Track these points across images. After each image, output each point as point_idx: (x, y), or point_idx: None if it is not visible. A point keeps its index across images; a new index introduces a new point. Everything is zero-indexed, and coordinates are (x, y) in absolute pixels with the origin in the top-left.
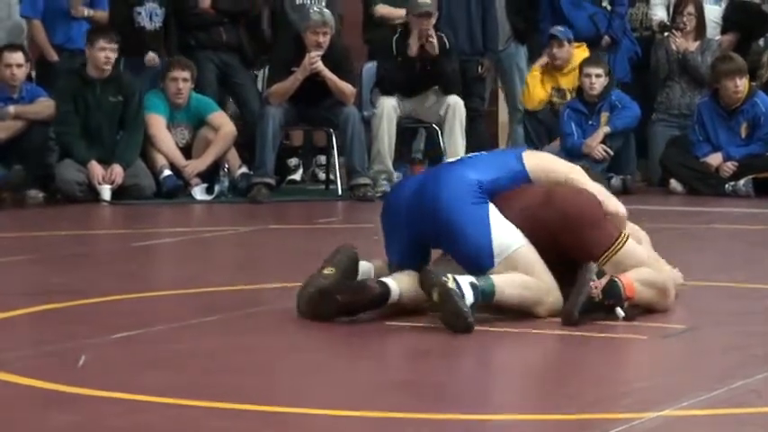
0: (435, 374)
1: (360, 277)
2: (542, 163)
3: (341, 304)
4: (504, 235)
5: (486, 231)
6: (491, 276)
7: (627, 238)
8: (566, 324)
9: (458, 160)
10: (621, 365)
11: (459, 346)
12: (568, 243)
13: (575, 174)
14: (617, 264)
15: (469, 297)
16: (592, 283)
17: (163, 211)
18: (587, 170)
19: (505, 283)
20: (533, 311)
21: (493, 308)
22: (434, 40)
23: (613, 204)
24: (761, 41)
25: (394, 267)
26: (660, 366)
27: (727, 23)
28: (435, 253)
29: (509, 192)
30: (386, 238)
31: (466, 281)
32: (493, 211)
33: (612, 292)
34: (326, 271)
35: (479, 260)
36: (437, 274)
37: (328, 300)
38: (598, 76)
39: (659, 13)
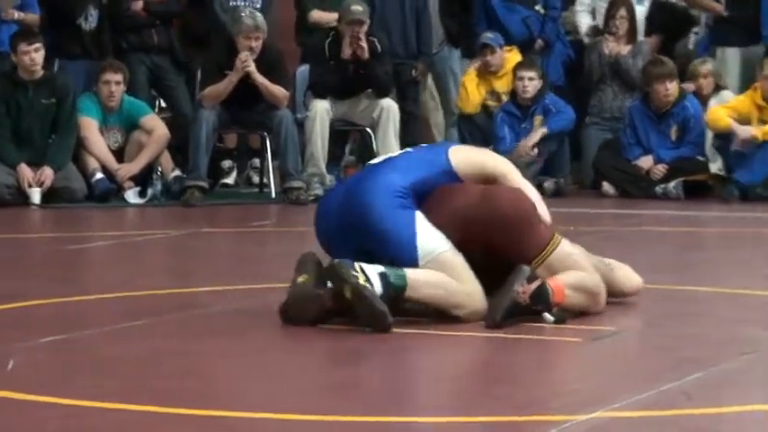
0: (368, 377)
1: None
2: (470, 158)
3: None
4: (430, 239)
5: (411, 235)
6: (406, 270)
7: (560, 240)
8: (488, 327)
9: (385, 161)
10: (553, 367)
11: (392, 348)
12: (503, 244)
13: (505, 166)
14: (551, 265)
15: (378, 288)
16: (520, 287)
17: (95, 215)
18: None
19: (421, 280)
20: (451, 313)
21: (411, 301)
22: (365, 45)
23: (542, 209)
24: (690, 44)
25: None
26: (591, 368)
27: (652, 24)
28: None
29: (443, 190)
30: (326, 249)
31: (375, 271)
32: (419, 216)
33: (541, 298)
34: (300, 279)
35: (405, 262)
36: (345, 268)
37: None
38: (531, 79)
39: (584, 20)
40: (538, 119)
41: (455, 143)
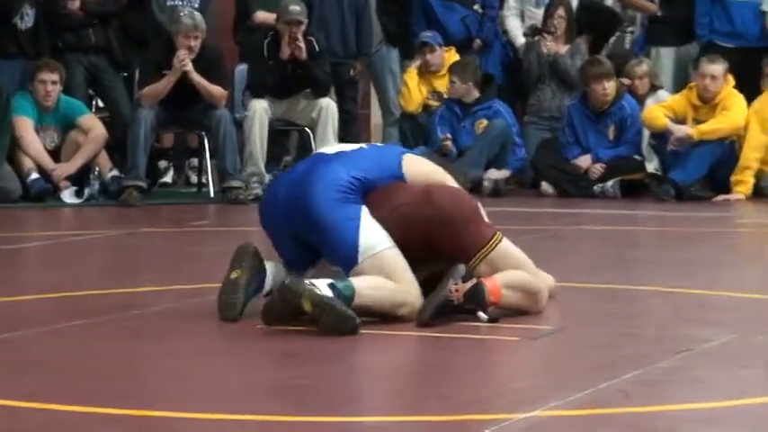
0: (307, 377)
1: (270, 276)
2: (422, 173)
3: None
4: (372, 235)
5: (354, 229)
6: (350, 279)
7: (501, 239)
8: (418, 325)
9: (337, 153)
10: (493, 367)
11: (330, 348)
12: (443, 241)
13: (450, 183)
14: (492, 262)
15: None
16: (453, 286)
17: (31, 215)
18: (450, 168)
19: (365, 286)
20: (395, 314)
21: (359, 308)
22: (303, 45)
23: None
24: (626, 44)
25: (288, 267)
26: (531, 367)
27: (580, 25)
28: None
29: (386, 188)
30: (271, 237)
31: (324, 283)
32: (365, 211)
33: (475, 297)
34: (233, 275)
35: (346, 257)
36: (298, 284)
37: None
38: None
39: (513, 23)
40: (482, 123)
41: (409, 149)
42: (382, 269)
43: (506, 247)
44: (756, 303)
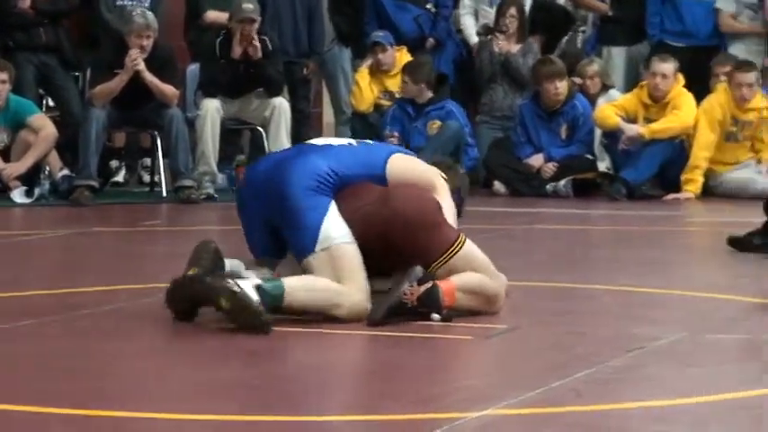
0: (261, 376)
1: (228, 270)
2: (407, 174)
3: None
4: (333, 228)
5: (318, 219)
6: (282, 279)
7: (464, 242)
8: (369, 325)
9: (324, 146)
10: (446, 365)
11: (283, 347)
12: (403, 243)
13: (435, 180)
14: (450, 266)
15: (255, 299)
16: (408, 288)
17: None
18: (452, 167)
19: (297, 286)
20: (332, 314)
21: (292, 309)
22: (257, 44)
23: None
24: (578, 43)
25: (256, 260)
26: (484, 366)
27: (533, 24)
28: None
29: (353, 187)
30: (244, 224)
31: (249, 284)
32: (333, 205)
33: (430, 300)
34: (191, 273)
35: (303, 246)
36: (218, 281)
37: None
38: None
39: (467, 22)
40: (435, 124)
41: (401, 149)
42: (334, 264)
43: (468, 250)
44: (706, 302)
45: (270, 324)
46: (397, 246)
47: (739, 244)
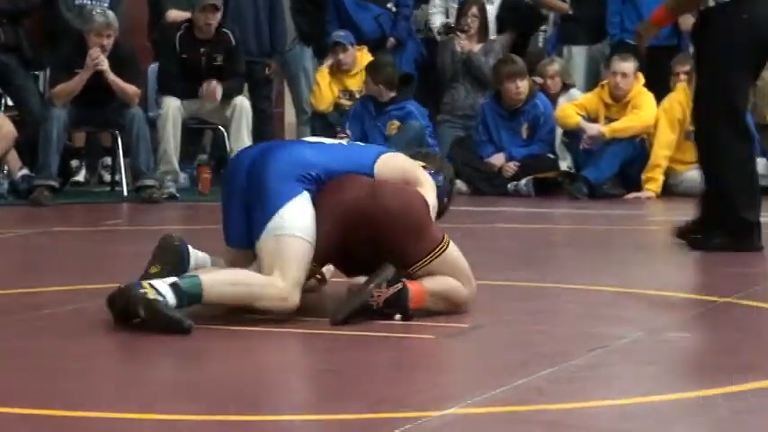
0: (219, 376)
1: (193, 266)
2: (395, 172)
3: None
4: (292, 217)
5: (280, 203)
6: (198, 275)
7: (448, 245)
8: (332, 324)
9: (316, 142)
10: (407, 365)
11: (242, 346)
12: (389, 241)
13: (423, 177)
14: (431, 269)
15: (171, 300)
16: (376, 291)
17: None
18: (439, 160)
19: (214, 282)
20: (255, 306)
21: (212, 302)
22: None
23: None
24: (540, 42)
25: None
26: (445, 365)
27: (502, 23)
28: None
29: (337, 181)
30: (224, 207)
31: (165, 284)
32: (304, 197)
33: (397, 303)
34: (152, 270)
35: (258, 225)
36: (133, 289)
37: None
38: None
39: (438, 20)
40: (394, 124)
41: (390, 149)
42: (276, 252)
43: (451, 253)
44: (666, 301)
45: (186, 324)
46: (381, 243)
47: (685, 236)
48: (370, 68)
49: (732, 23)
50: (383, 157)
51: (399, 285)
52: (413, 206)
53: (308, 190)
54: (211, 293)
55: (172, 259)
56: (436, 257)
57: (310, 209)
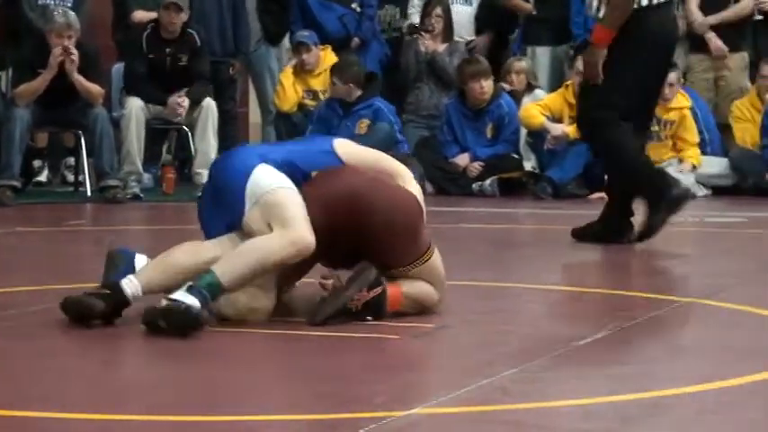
0: (187, 376)
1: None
2: (362, 156)
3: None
4: (262, 178)
5: (245, 178)
6: (211, 269)
7: (432, 253)
8: (309, 325)
9: (276, 142)
10: (373, 365)
11: (210, 347)
12: (378, 237)
13: (400, 167)
14: (413, 274)
15: (195, 302)
16: (356, 295)
17: None
18: (408, 161)
19: (224, 264)
20: (273, 265)
21: (235, 289)
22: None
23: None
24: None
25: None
26: (411, 365)
27: (480, 24)
28: None
29: (332, 171)
30: (200, 212)
31: (181, 292)
32: (265, 165)
33: (375, 308)
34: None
35: (234, 207)
36: (149, 310)
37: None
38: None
39: (416, 21)
40: (364, 122)
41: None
42: (264, 214)
43: (433, 261)
44: (628, 300)
45: (200, 320)
46: (369, 236)
47: (581, 235)
48: (337, 69)
49: (656, 25)
50: (338, 141)
51: (379, 290)
52: (411, 207)
53: (262, 162)
54: (227, 275)
55: (112, 267)
56: (422, 264)
57: (277, 171)
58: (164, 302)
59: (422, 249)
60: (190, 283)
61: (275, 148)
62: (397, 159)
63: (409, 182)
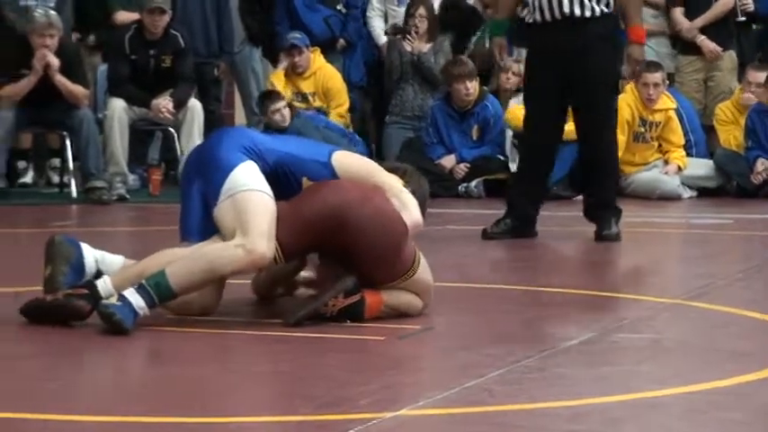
0: (166, 377)
1: (91, 259)
2: (358, 170)
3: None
4: (242, 176)
5: (228, 170)
6: (163, 270)
7: (418, 268)
8: (285, 325)
9: (282, 138)
10: (359, 366)
11: (193, 348)
12: (360, 258)
13: (393, 181)
14: (403, 288)
15: (140, 302)
16: (332, 300)
17: None
18: (410, 172)
19: (177, 266)
20: (225, 274)
21: (185, 292)
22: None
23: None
24: (486, 44)
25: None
26: (397, 366)
27: (442, 23)
28: None
29: (323, 183)
30: (182, 207)
31: (130, 291)
32: (250, 164)
33: (352, 314)
34: (46, 272)
35: (212, 195)
36: (103, 307)
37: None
38: None
39: (376, 24)
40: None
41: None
42: (235, 212)
43: (417, 276)
44: (615, 302)
45: (126, 327)
46: (352, 255)
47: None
48: None
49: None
50: (339, 152)
51: (356, 297)
52: (393, 228)
53: (254, 162)
54: (177, 277)
55: (62, 255)
56: (408, 279)
57: (260, 175)
58: (112, 299)
59: (407, 265)
60: (142, 281)
61: (275, 147)
62: (410, 175)
63: (399, 195)
